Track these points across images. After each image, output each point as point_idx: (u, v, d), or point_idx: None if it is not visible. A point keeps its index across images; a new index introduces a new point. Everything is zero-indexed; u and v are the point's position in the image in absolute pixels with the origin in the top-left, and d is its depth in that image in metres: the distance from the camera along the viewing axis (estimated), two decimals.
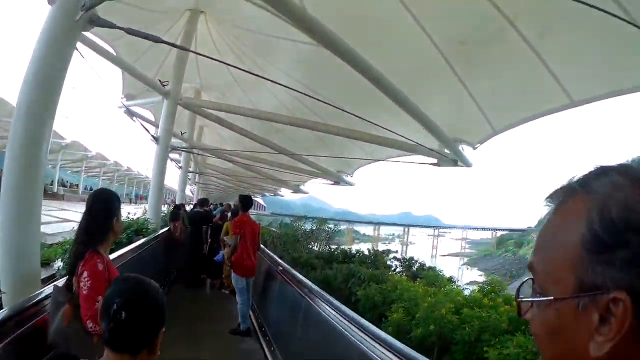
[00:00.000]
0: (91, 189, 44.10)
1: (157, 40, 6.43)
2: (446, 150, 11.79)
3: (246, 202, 8.14)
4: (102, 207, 2.97)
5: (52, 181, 42.70)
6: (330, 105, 10.04)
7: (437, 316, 6.97)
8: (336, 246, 20.01)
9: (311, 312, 4.83)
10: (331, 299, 4.37)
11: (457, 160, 12.01)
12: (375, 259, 14.42)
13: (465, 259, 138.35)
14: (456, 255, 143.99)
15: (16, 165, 4.52)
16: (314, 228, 20.43)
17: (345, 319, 3.78)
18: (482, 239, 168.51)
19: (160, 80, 12.14)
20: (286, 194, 38.48)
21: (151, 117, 18.00)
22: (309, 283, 5.50)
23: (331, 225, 22.26)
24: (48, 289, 3.32)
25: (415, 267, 13.33)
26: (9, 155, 4.51)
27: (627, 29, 5.46)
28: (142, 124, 13.27)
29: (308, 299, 5.16)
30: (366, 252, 15.64)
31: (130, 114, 13.51)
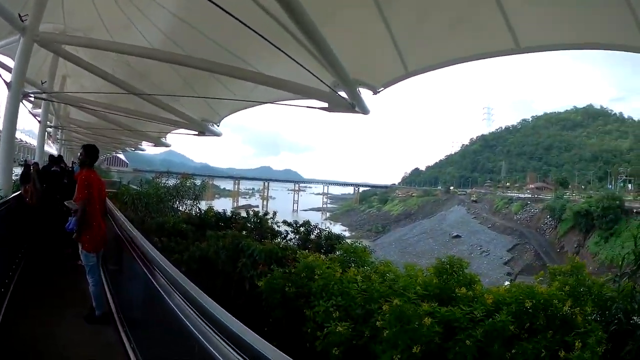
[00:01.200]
0: None
1: None
2: (342, 93, 10.42)
3: (92, 153, 6.88)
4: None
5: None
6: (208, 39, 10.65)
7: (420, 330, 4.27)
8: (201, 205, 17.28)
9: (166, 307, 3.60)
10: (190, 290, 3.21)
11: (354, 104, 10.65)
12: (259, 223, 11.81)
13: (328, 214, 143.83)
14: (318, 210, 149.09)
15: None
16: (178, 185, 17.33)
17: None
18: (344, 194, 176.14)
19: (19, 15, 10.70)
20: (148, 148, 37.35)
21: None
22: (163, 265, 3.99)
23: (197, 181, 19.15)
24: None
25: (314, 234, 10.79)
26: None
27: None
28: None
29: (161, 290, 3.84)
30: (244, 214, 12.95)
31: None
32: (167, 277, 3.74)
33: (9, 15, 10.53)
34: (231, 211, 13.59)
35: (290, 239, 11.40)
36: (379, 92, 10.45)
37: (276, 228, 11.83)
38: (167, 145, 29.67)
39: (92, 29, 15.42)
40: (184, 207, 17.01)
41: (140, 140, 31.87)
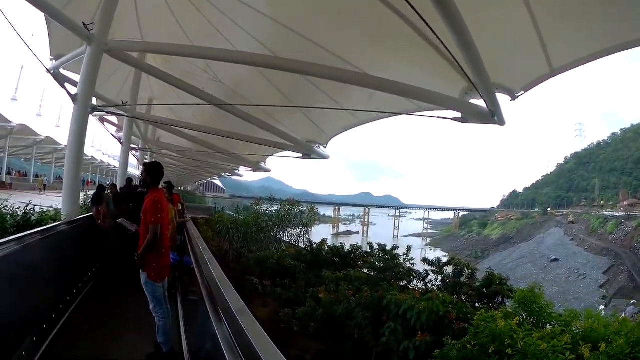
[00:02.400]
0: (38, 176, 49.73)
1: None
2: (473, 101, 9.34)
3: (154, 171, 5.84)
4: None
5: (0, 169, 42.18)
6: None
7: None
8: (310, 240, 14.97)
9: None
10: None
11: (493, 112, 8.95)
12: (389, 260, 9.29)
13: (428, 240, 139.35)
14: (419, 235, 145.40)
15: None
16: (281, 212, 15.13)
17: None
18: (443, 219, 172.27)
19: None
20: (246, 174, 36.29)
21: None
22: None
23: (304, 207, 16.80)
24: None
25: (465, 275, 8.16)
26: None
27: None
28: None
29: None
30: (367, 249, 10.46)
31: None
32: None
33: (72, 24, 9.73)
34: (352, 246, 11.10)
35: (431, 282, 8.87)
36: (518, 97, 8.91)
37: (408, 265, 9.36)
38: (266, 170, 27.77)
39: (173, 38, 14.26)
40: (289, 238, 14.87)
41: (238, 166, 30.53)
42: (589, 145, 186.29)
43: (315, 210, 16.70)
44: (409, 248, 10.55)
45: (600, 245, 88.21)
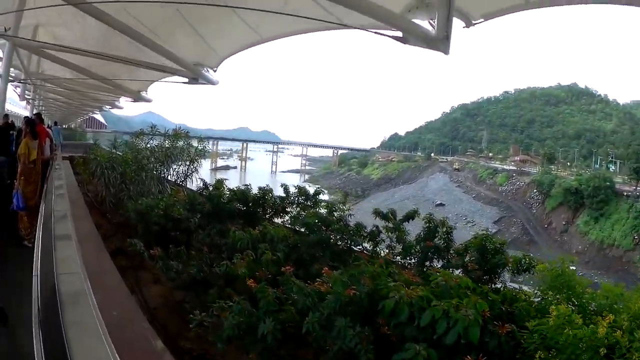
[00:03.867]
0: None
1: None
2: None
3: None
4: None
5: None
6: None
7: None
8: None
9: None
10: None
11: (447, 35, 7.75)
12: (325, 214, 7.79)
13: (307, 176, 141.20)
14: (297, 172, 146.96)
15: None
16: (164, 145, 12.88)
17: None
18: (322, 157, 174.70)
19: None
20: (126, 106, 33.54)
21: None
22: None
23: (193, 142, 14.59)
24: None
25: (439, 234, 7.43)
26: None
27: None
28: None
29: None
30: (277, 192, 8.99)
31: None
32: None
33: None
34: (260, 189, 9.20)
35: (384, 242, 7.48)
36: (475, 24, 7.59)
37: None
38: (148, 101, 24.19)
39: None
40: (174, 177, 12.69)
41: (119, 96, 26.88)
42: (478, 99, 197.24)
43: (205, 143, 14.36)
44: (345, 195, 9.01)
45: (489, 195, 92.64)
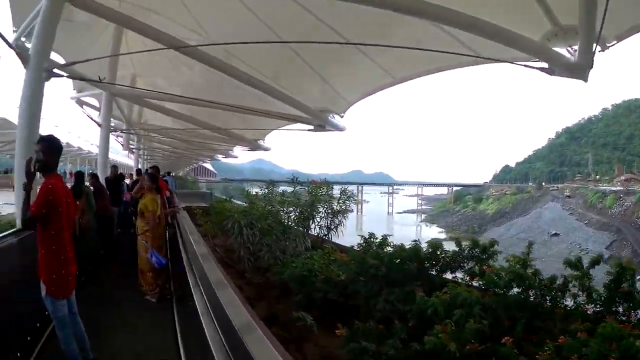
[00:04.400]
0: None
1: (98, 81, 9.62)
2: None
3: (54, 147, 4.65)
4: None
5: None
6: None
7: None
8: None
9: None
10: None
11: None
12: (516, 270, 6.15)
13: (423, 216, 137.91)
14: (413, 212, 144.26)
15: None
16: (306, 196, 11.93)
17: None
18: (437, 195, 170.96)
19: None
20: (238, 155, 32.30)
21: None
22: None
23: (335, 190, 13.48)
24: None
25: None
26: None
27: None
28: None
29: None
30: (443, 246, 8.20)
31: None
32: None
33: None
34: (431, 244, 7.68)
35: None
36: (608, 47, 7.07)
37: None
38: (266, 149, 23.62)
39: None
40: (318, 230, 11.67)
41: (233, 145, 26.70)
42: (579, 120, 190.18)
43: (349, 192, 13.00)
44: (530, 245, 7.42)
45: (600, 220, 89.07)
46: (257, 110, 13.80)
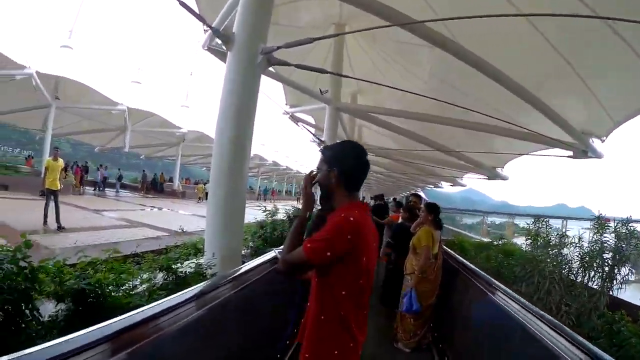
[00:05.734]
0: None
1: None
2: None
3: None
4: None
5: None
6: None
7: None
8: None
9: None
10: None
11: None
12: None
13: None
14: None
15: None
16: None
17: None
18: None
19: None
20: (445, 187, 34.90)
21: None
22: None
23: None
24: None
25: None
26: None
27: None
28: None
29: None
30: None
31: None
32: None
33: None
34: None
35: None
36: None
37: None
38: (504, 178, 21.32)
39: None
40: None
41: (463, 172, 25.02)
42: None
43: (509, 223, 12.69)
44: None
45: None
46: (513, 130, 11.47)
